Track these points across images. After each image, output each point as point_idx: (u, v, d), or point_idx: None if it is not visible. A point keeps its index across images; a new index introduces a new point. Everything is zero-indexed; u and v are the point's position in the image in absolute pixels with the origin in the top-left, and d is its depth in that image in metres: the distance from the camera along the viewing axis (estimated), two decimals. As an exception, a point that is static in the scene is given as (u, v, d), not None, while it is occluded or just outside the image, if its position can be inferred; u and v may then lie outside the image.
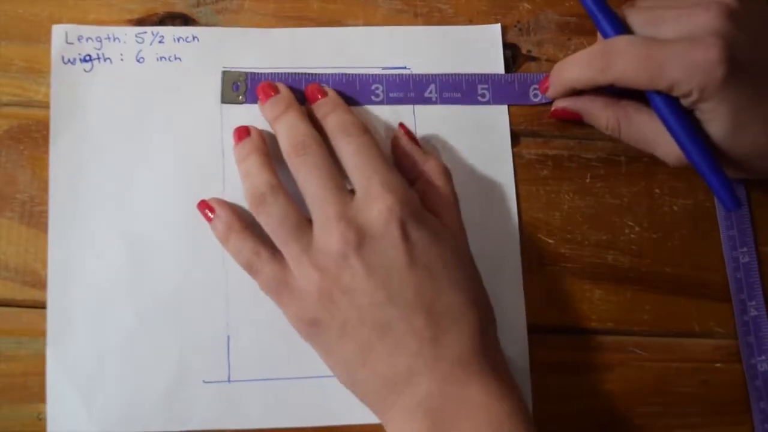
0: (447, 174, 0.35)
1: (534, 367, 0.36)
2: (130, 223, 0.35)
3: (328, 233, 0.31)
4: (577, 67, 0.35)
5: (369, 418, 0.32)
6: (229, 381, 0.35)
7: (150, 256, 0.35)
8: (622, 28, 0.34)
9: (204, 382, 0.35)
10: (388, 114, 0.37)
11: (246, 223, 0.34)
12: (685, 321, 0.37)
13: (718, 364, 0.37)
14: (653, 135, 0.35)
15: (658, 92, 0.33)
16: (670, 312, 0.37)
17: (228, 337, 0.35)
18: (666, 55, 0.32)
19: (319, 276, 0.31)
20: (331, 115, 0.35)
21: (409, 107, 0.37)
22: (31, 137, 0.36)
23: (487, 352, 0.31)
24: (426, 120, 0.37)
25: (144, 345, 0.35)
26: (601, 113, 0.36)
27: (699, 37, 0.32)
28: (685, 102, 0.33)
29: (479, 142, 0.37)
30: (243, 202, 0.35)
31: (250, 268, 0.33)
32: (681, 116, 0.33)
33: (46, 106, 0.36)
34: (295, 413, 0.35)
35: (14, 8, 0.37)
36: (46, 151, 0.36)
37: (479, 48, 0.38)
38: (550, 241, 0.38)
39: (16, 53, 0.37)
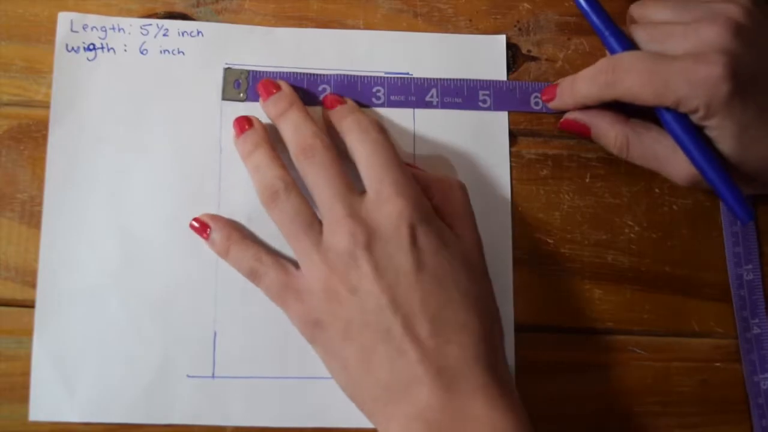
0: (463, 188, 0.35)
1: (534, 366, 0.36)
2: (123, 214, 0.36)
3: (338, 232, 0.31)
4: (585, 82, 0.35)
5: (354, 421, 0.32)
6: (213, 377, 0.35)
7: (141, 250, 0.35)
8: (628, 43, 0.34)
9: (188, 376, 0.35)
10: (388, 116, 0.37)
11: (244, 233, 0.35)
12: (685, 321, 0.38)
13: (717, 364, 0.37)
14: (662, 153, 0.35)
15: (667, 108, 0.33)
16: (670, 312, 0.38)
17: (215, 333, 0.35)
18: (671, 71, 0.32)
19: (327, 273, 0.31)
20: (350, 116, 0.35)
21: (408, 111, 0.38)
22: (32, 137, 0.36)
23: (491, 364, 0.31)
24: (424, 123, 0.37)
25: (130, 337, 0.35)
26: (609, 129, 0.36)
27: (704, 54, 0.32)
28: (692, 118, 0.33)
29: (477, 146, 0.38)
30: (239, 200, 0.36)
31: (254, 275, 0.33)
32: (691, 131, 0.33)
33: (46, 106, 0.36)
34: (278, 413, 0.35)
35: (14, 8, 0.37)
36: (46, 151, 0.36)
37: (483, 57, 0.38)
38: (550, 240, 0.38)
39: (16, 53, 0.37)
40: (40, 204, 0.35)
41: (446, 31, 0.39)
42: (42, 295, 0.35)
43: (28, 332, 0.35)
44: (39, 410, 0.34)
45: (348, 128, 0.34)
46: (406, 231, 0.31)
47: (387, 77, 0.37)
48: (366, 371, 0.31)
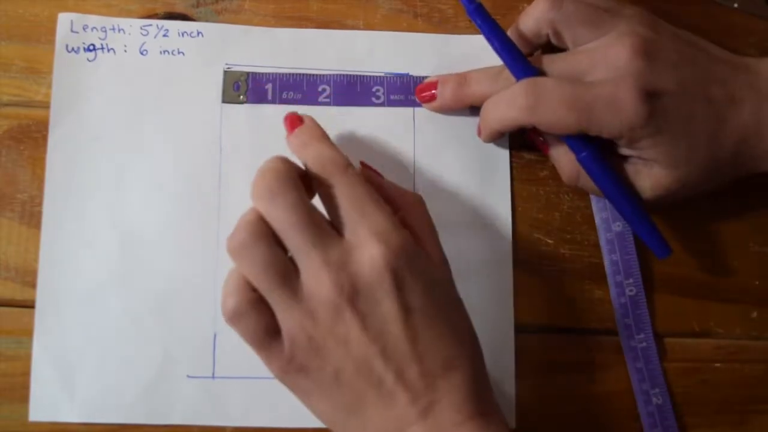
0: (422, 203, 0.33)
1: (534, 367, 0.36)
2: (123, 215, 0.36)
3: (319, 281, 0.29)
4: (501, 106, 0.34)
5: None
6: (213, 377, 0.35)
7: (141, 250, 0.35)
8: (537, 71, 0.34)
9: (188, 377, 0.35)
10: (387, 115, 0.37)
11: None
12: (685, 321, 0.38)
13: (717, 364, 0.37)
14: None
15: (585, 145, 0.33)
16: (669, 312, 0.38)
17: (215, 333, 0.35)
18: (593, 98, 0.32)
19: (312, 324, 0.29)
20: (309, 148, 0.32)
21: (409, 111, 0.38)
22: (31, 137, 0.36)
23: (480, 394, 0.30)
24: (425, 123, 0.37)
25: (130, 338, 0.35)
26: (564, 158, 0.36)
27: (619, 79, 0.32)
28: (621, 145, 0.33)
29: (477, 146, 0.37)
30: (237, 201, 0.36)
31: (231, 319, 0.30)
32: (606, 169, 0.34)
33: (46, 106, 0.36)
34: (277, 413, 0.35)
35: (14, 8, 0.37)
36: (46, 151, 0.36)
37: (484, 57, 0.38)
38: (550, 241, 0.38)
39: (16, 53, 0.37)
40: (40, 204, 0.35)
41: (446, 31, 0.39)
42: (42, 295, 0.35)
43: (28, 332, 0.35)
44: (39, 410, 0.34)
45: (311, 168, 0.31)
46: (389, 277, 0.29)
47: (386, 77, 0.37)
48: (356, 414, 0.30)
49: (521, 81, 0.34)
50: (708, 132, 0.33)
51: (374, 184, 0.32)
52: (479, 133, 0.37)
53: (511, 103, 0.33)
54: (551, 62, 0.34)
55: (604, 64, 0.32)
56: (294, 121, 0.33)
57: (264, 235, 0.30)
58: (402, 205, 0.32)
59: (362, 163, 0.34)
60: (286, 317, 0.30)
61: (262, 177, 0.30)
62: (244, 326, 0.30)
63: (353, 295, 0.29)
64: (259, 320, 0.30)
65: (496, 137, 0.37)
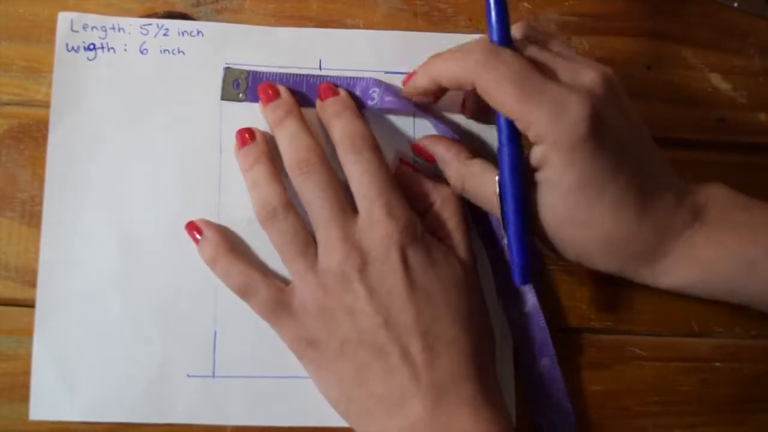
0: (456, 200, 0.34)
1: (534, 366, 0.36)
2: (123, 214, 0.36)
3: (332, 254, 0.32)
4: (453, 57, 0.32)
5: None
6: (213, 376, 0.35)
7: (141, 249, 0.35)
8: (510, 41, 0.32)
9: (188, 376, 0.35)
10: (387, 118, 0.37)
11: (234, 245, 0.35)
12: (685, 321, 0.38)
13: (717, 364, 0.38)
14: (494, 199, 0.32)
15: (512, 138, 0.31)
16: (669, 312, 0.38)
17: (215, 333, 0.35)
18: (543, 87, 0.30)
19: (323, 294, 0.32)
20: (340, 119, 0.34)
21: (409, 118, 0.37)
22: (32, 137, 0.36)
23: (481, 377, 0.31)
24: (425, 125, 0.37)
25: (130, 337, 0.35)
26: (450, 166, 0.34)
27: (577, 89, 0.30)
28: (537, 150, 0.30)
29: (476, 146, 0.37)
30: (237, 201, 0.36)
31: (244, 291, 0.33)
32: (517, 168, 0.31)
33: (46, 105, 0.36)
34: (278, 412, 0.35)
35: (14, 8, 0.37)
36: (47, 151, 0.36)
37: None
38: (550, 240, 0.38)
39: (17, 53, 0.37)
40: (40, 204, 0.35)
41: (446, 30, 0.39)
42: (42, 295, 0.35)
43: (28, 332, 0.35)
44: (39, 410, 0.34)
45: (339, 141, 0.34)
46: (396, 252, 0.32)
47: (385, 80, 0.37)
48: (361, 385, 0.31)
49: (481, 39, 0.32)
50: (616, 200, 0.30)
51: (407, 179, 0.35)
52: (406, 81, 0.34)
53: (465, 56, 0.31)
54: (523, 47, 0.32)
55: (574, 74, 0.31)
56: (327, 91, 0.35)
57: (292, 206, 0.33)
58: (435, 200, 0.34)
59: (401, 160, 0.36)
60: (302, 287, 0.33)
61: (295, 142, 0.34)
62: (255, 298, 0.33)
63: (362, 267, 0.32)
64: (269, 291, 0.33)
65: (427, 91, 0.34)
